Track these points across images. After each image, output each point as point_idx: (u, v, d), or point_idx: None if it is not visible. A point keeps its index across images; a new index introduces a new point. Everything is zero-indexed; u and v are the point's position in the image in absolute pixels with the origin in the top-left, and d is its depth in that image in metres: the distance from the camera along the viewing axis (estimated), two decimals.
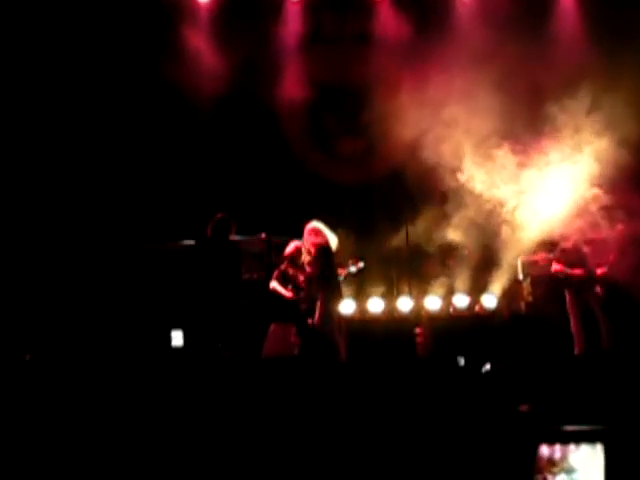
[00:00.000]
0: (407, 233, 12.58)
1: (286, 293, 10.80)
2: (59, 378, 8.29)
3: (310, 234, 10.48)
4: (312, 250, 10.27)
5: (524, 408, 6.99)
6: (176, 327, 10.93)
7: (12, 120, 12.76)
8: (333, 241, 10.43)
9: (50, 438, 7.19)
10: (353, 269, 11.24)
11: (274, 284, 10.84)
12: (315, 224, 10.52)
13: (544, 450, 6.13)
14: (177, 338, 10.62)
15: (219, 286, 10.51)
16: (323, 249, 10.25)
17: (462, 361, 10.14)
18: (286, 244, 11.26)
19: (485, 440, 6.82)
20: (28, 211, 12.62)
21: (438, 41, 12.75)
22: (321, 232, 10.47)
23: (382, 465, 6.74)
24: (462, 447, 6.77)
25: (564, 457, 6.05)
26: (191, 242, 11.45)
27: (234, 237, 10.78)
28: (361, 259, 11.41)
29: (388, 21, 13.24)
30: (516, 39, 12.43)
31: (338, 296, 10.36)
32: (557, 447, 6.13)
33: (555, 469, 6.03)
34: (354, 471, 6.74)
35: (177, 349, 10.56)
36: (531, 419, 6.88)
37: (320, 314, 10.19)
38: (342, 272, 11.16)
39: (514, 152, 11.48)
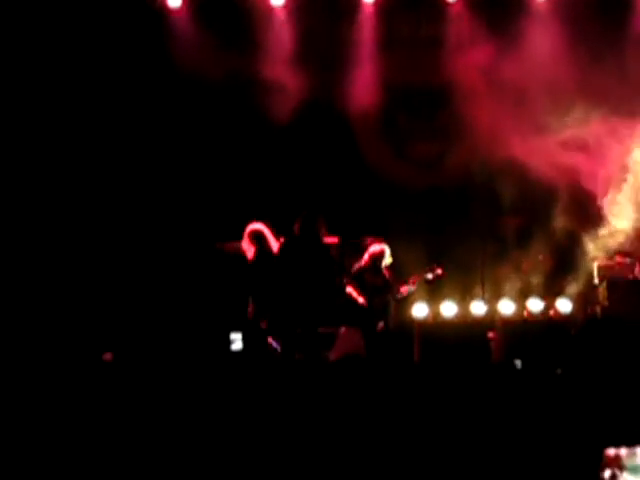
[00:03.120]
0: (482, 237, 12.51)
1: (360, 300, 10.85)
2: (114, 377, 8.39)
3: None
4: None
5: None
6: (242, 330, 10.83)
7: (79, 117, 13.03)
8: None
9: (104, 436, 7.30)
10: (430, 276, 11.26)
11: (349, 289, 10.89)
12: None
13: (610, 451, 6.06)
14: (237, 341, 10.54)
15: (311, 289, 10.25)
16: None
17: (519, 364, 10.07)
18: (358, 246, 11.30)
19: (551, 442, 6.77)
20: (97, 208, 12.84)
21: (513, 41, 12.71)
22: None
23: (451, 466, 6.72)
24: (528, 447, 6.74)
25: (633, 454, 5.97)
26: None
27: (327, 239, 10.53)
28: (438, 266, 11.40)
29: (462, 22, 13.16)
30: (591, 36, 12.36)
31: None
32: (623, 448, 6.06)
33: (623, 464, 5.96)
34: (428, 470, 6.74)
35: (237, 352, 10.46)
36: (599, 423, 6.81)
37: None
38: (416, 279, 11.19)
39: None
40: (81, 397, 7.76)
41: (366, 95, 13.17)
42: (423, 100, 13.64)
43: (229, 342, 10.43)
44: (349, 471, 6.85)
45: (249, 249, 10.29)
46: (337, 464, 6.91)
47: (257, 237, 10.30)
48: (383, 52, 13.40)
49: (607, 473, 5.96)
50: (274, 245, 10.28)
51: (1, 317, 11.32)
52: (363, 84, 13.18)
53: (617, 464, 5.98)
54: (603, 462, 6.01)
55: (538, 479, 6.55)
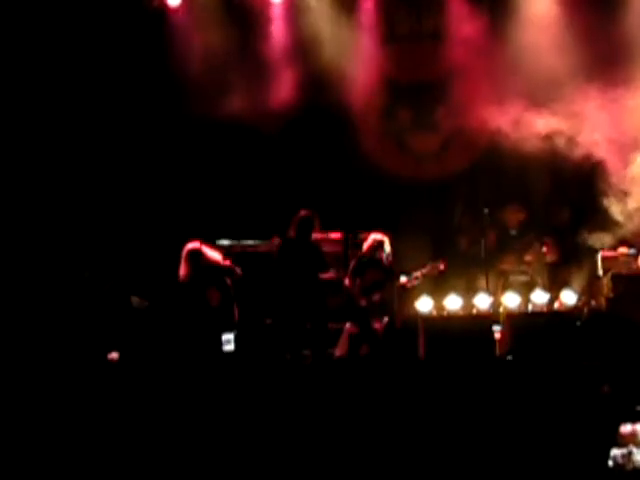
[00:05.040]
0: (485, 230, 12.49)
1: (358, 299, 10.95)
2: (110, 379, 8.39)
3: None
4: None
5: (605, 389, 6.95)
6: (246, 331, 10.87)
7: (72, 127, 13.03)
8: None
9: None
10: (432, 268, 11.39)
11: (349, 285, 11.01)
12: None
13: (626, 427, 6.04)
14: (229, 342, 10.54)
15: (300, 287, 10.64)
16: None
17: (510, 358, 10.10)
18: (362, 242, 11.41)
19: (567, 422, 6.77)
20: (98, 208, 12.86)
21: (510, 33, 12.73)
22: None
23: (458, 459, 6.73)
24: (545, 431, 6.75)
25: None
26: (258, 242, 11.69)
27: (316, 234, 10.87)
28: (442, 261, 11.52)
29: (461, 16, 13.17)
30: (591, 25, 12.38)
31: None
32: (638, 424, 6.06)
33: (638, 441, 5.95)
34: (446, 460, 6.75)
35: (229, 354, 10.47)
36: (612, 403, 6.80)
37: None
38: (420, 274, 11.29)
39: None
40: (85, 396, 7.77)
41: (367, 89, 13.17)
42: (424, 94, 13.66)
43: (220, 343, 10.40)
44: (357, 466, 6.87)
45: (183, 269, 10.41)
46: (344, 460, 6.92)
47: (192, 257, 10.37)
48: (383, 46, 13.42)
49: (622, 450, 5.96)
50: (215, 255, 10.52)
51: (4, 318, 11.30)
52: (364, 78, 13.17)
53: (633, 440, 5.98)
54: (618, 440, 6.00)
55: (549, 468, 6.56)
